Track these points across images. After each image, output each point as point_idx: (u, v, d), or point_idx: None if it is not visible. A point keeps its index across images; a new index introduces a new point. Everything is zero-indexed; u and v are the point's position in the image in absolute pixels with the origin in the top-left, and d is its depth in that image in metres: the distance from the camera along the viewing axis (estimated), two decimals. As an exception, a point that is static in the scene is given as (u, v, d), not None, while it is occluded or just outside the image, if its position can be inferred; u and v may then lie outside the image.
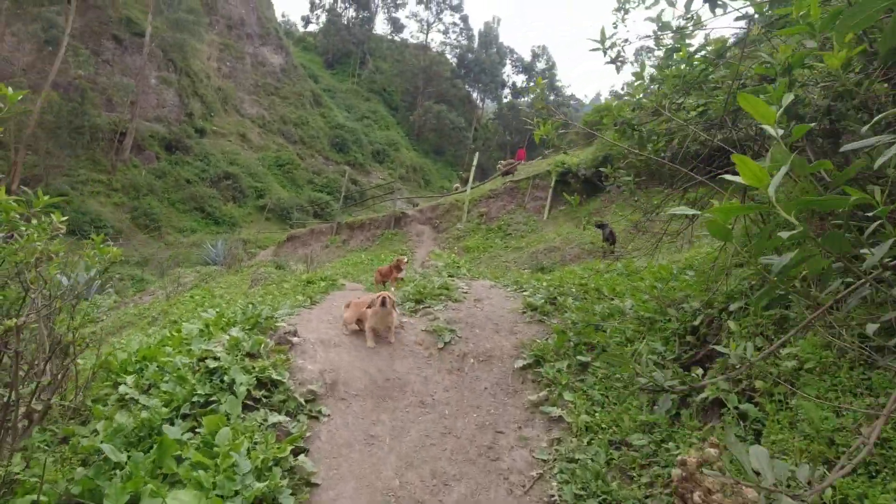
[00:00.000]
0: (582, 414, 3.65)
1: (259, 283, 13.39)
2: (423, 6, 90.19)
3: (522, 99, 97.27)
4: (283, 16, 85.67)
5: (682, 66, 3.76)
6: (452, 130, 76.96)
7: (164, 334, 4.57)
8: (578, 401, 3.81)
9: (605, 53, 4.01)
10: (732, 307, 3.23)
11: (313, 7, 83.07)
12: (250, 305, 5.35)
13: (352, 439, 3.49)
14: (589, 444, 3.38)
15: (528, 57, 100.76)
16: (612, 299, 5.39)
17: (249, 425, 3.13)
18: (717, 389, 2.87)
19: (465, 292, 6.42)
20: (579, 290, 6.01)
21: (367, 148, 63.61)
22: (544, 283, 6.48)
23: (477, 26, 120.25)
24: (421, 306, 5.91)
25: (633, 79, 4.21)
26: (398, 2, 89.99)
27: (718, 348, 2.74)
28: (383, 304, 5.11)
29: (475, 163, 22.35)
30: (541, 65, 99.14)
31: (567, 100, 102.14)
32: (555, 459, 3.38)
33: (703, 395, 2.91)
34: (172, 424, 3.14)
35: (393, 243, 23.25)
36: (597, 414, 3.61)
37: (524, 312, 5.59)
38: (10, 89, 2.76)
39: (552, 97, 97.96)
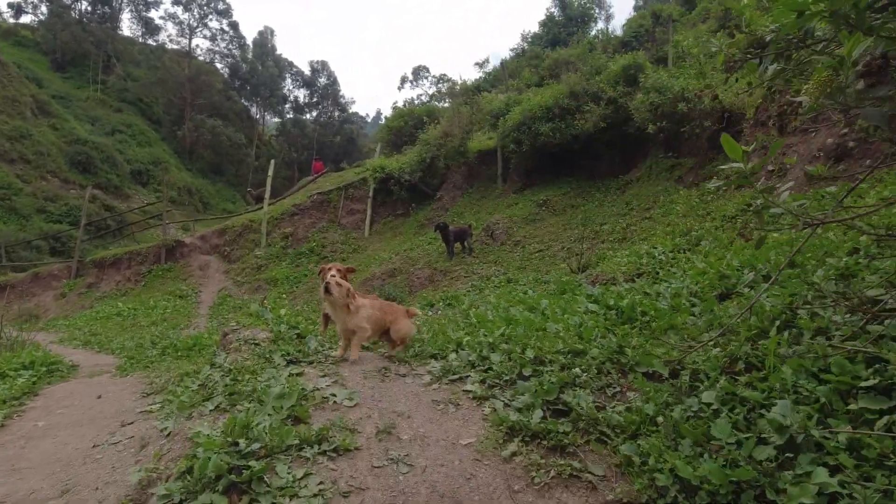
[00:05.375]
0: None
1: None
2: (181, 7, 79.28)
3: (307, 116, 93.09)
4: (-18, 2, 66.23)
5: None
6: (231, 147, 68.80)
7: None
8: None
9: None
10: None
11: (28, -7, 66.12)
12: None
13: None
14: None
15: (307, 71, 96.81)
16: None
17: None
18: None
19: (351, 407, 2.83)
20: (555, 353, 3.05)
21: (123, 168, 52.19)
22: (486, 339, 3.37)
23: (250, 35, 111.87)
24: (251, 484, 2.21)
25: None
26: (149, 0, 77.61)
27: None
28: (327, 290, 3.69)
29: (271, 172, 18.08)
30: (322, 80, 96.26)
31: (351, 116, 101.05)
32: None
33: None
34: None
35: (166, 282, 17.47)
36: None
37: (505, 448, 2.37)
38: None
39: (336, 113, 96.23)
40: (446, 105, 41.52)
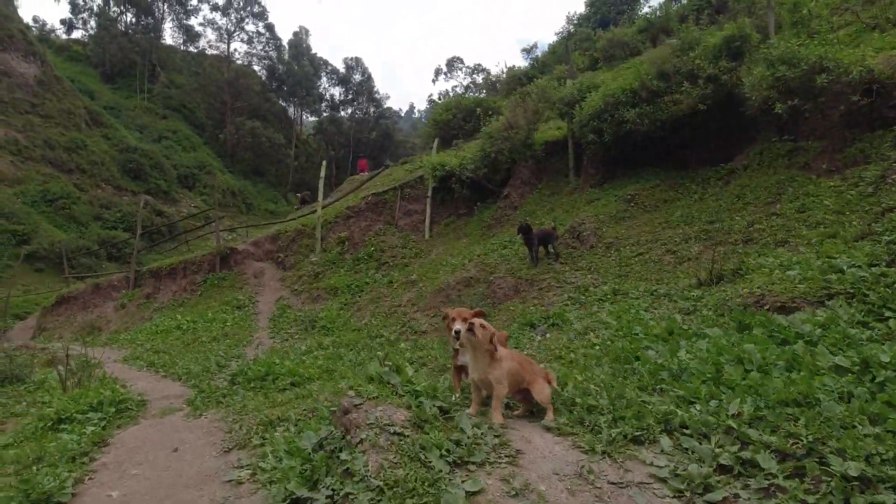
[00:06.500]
0: None
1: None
2: (219, 13, 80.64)
3: (343, 113, 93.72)
4: (34, 20, 68.77)
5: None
6: (271, 148, 69.63)
7: None
8: None
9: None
10: None
11: (76, 10, 68.16)
12: None
13: None
14: None
15: (342, 69, 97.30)
16: None
17: None
18: None
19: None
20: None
21: (170, 173, 53.28)
22: (717, 419, 2.33)
23: (285, 37, 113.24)
24: None
25: None
26: (189, 7, 79.12)
27: None
28: (471, 330, 3.02)
29: (323, 174, 17.37)
30: (357, 76, 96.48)
31: (386, 111, 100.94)
32: None
33: None
34: None
35: (222, 291, 17.07)
36: None
37: None
38: None
39: (371, 109, 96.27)
40: (482, 95, 40.23)
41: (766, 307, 4.70)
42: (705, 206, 9.34)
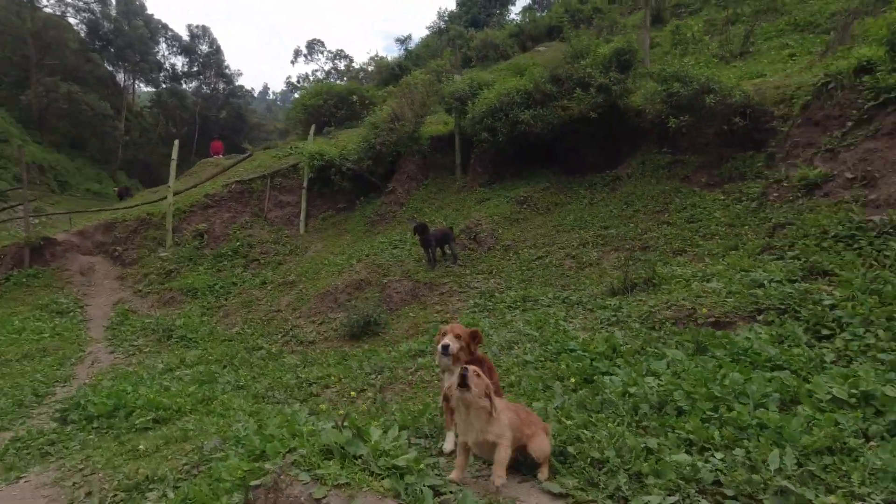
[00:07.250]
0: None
1: None
2: (18, -53, 66.68)
3: (187, 86, 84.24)
4: None
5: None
6: (94, 118, 59.54)
7: None
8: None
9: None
10: None
11: None
12: None
13: None
14: None
15: (186, 36, 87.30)
16: None
17: None
18: None
19: None
20: None
21: (-51, 139, 42.63)
22: (763, 479, 2.08)
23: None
24: None
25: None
26: (-25, -65, 64.24)
27: None
28: (464, 383, 2.37)
29: (175, 156, 14.91)
30: (204, 47, 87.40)
31: (237, 89, 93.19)
32: None
33: None
34: None
35: (34, 291, 13.84)
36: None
37: None
38: None
39: (221, 85, 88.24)
40: (345, 82, 38.61)
41: (700, 322, 4.73)
42: (596, 212, 9.65)
